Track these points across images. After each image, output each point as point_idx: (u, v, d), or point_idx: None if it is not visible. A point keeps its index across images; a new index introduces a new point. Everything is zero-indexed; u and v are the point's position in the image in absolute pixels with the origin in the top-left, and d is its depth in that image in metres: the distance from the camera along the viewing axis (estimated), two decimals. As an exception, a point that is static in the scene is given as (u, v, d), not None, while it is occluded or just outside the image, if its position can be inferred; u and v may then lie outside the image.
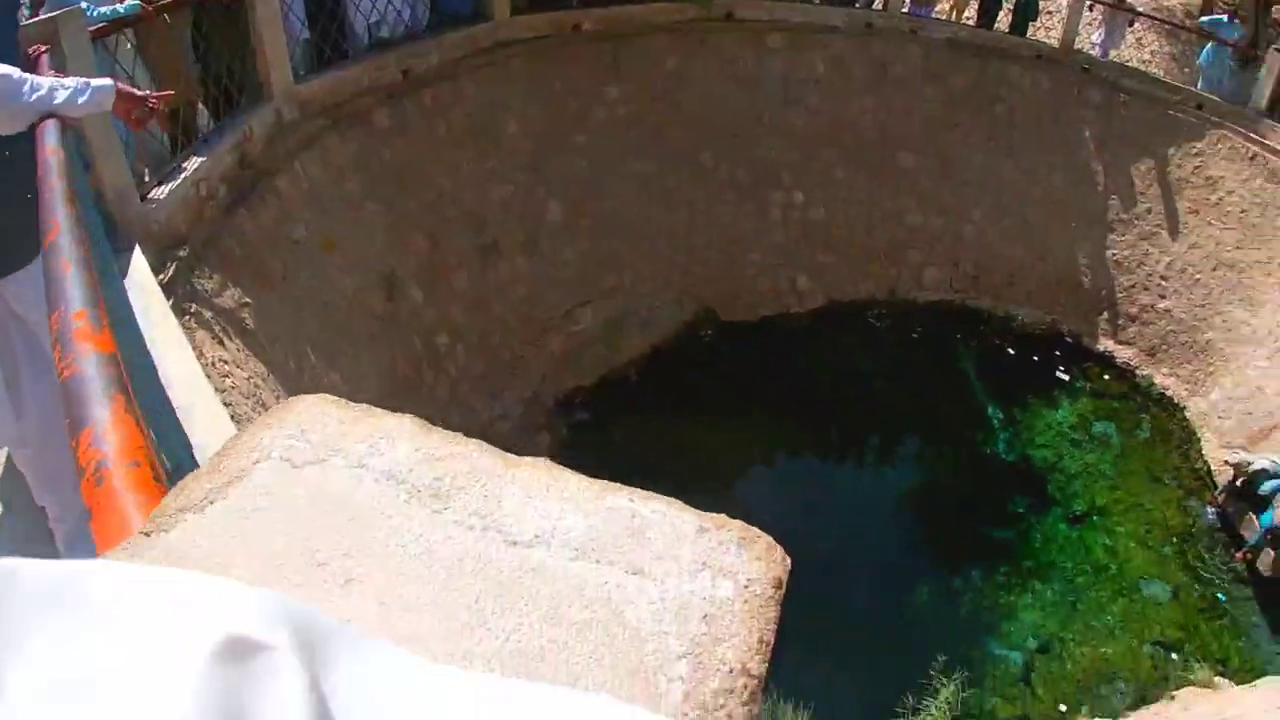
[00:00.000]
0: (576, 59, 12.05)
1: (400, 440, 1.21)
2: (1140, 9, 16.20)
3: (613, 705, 0.81)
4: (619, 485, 1.17)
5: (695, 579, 1.03)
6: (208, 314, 6.62)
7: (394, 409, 1.31)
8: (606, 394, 11.97)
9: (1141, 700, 9.83)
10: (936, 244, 14.97)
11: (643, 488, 1.12)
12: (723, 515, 1.16)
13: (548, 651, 0.94)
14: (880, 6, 15.22)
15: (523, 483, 1.16)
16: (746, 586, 1.04)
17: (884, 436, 13.12)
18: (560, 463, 1.21)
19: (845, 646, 10.17)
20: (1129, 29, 16.35)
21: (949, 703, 9.15)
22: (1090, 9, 15.41)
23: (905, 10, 14.98)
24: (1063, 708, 9.73)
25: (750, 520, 1.11)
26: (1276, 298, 13.71)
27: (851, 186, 14.45)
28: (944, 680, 9.19)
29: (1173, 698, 9.64)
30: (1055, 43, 15.27)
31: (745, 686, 0.92)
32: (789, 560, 1.13)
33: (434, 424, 1.26)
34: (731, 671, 0.93)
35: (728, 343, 13.34)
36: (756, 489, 11.90)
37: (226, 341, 6.59)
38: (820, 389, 13.21)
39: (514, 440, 10.54)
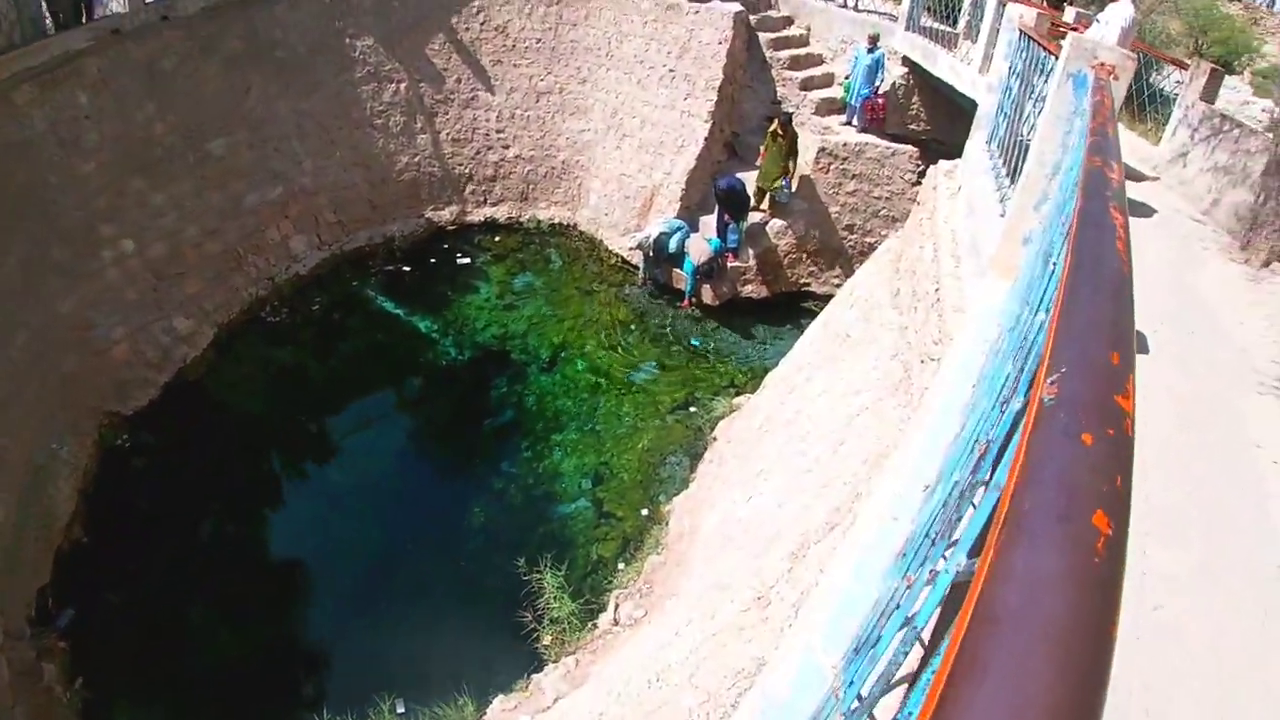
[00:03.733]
0: None
1: None
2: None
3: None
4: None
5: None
6: None
7: None
8: (75, 574, 8.74)
9: (695, 457, 10.09)
10: (286, 211, 13.51)
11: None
12: None
13: None
14: (123, 8, 12.65)
15: None
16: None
17: (358, 410, 11.57)
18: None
19: (455, 598, 9.00)
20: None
21: (559, 586, 8.43)
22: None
23: (148, 1, 12.69)
24: (644, 511, 9.56)
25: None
26: (598, 97, 14.94)
27: (176, 202, 12.17)
28: (539, 571, 8.47)
29: (714, 439, 10.03)
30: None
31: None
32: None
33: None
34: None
35: (156, 432, 10.57)
36: (300, 522, 9.90)
37: None
38: (269, 411, 11.19)
39: (24, 684, 7.48)
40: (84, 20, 12.19)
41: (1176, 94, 9.70)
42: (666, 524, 9.05)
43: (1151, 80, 11.41)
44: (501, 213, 15.11)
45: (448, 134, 14.99)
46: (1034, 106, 5.22)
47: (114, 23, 12.11)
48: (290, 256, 13.43)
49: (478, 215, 15.06)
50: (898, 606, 1.87)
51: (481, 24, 15.05)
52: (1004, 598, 0.86)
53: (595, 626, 8.03)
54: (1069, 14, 12.82)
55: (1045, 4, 15.28)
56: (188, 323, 11.78)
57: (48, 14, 11.95)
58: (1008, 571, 0.88)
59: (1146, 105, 10.65)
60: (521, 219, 15.12)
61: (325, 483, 10.42)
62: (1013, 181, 5.21)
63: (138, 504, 9.73)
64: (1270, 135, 7.55)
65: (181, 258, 12.03)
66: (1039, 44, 5.53)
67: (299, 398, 11.49)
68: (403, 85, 14.70)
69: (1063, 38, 4.97)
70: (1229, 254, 7.26)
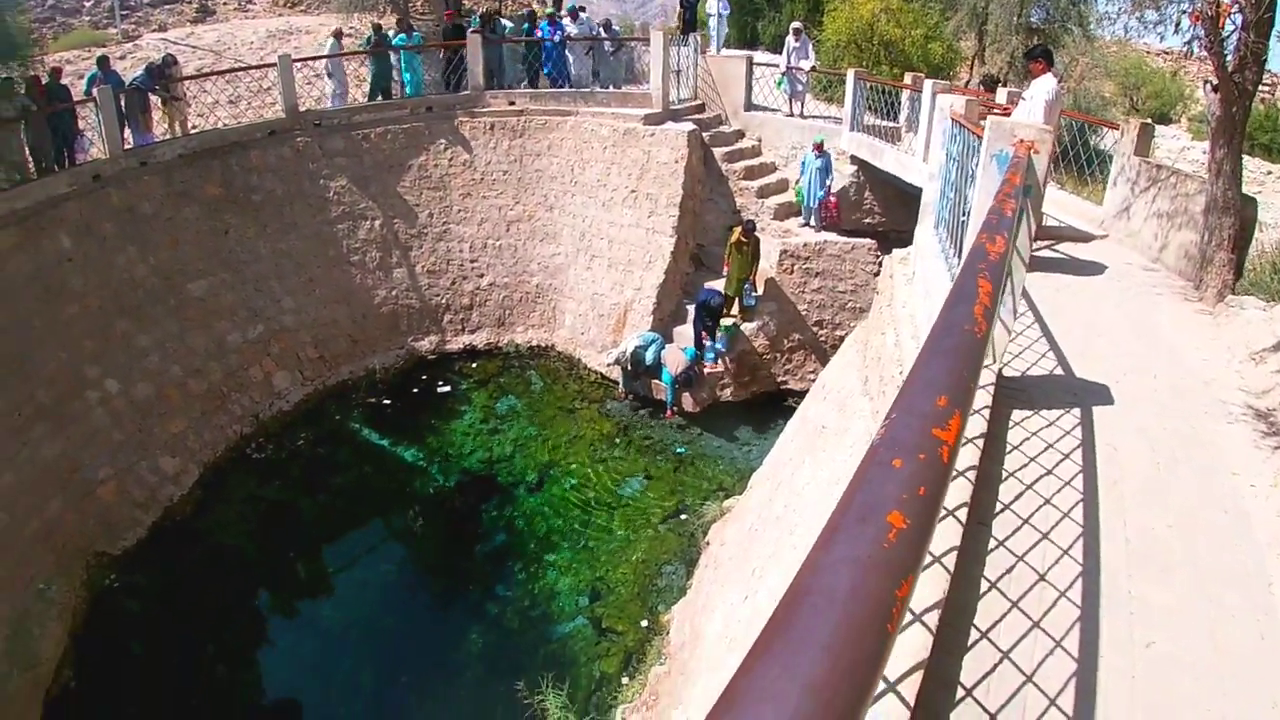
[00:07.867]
0: None
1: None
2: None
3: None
4: None
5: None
6: None
7: None
8: None
9: (691, 564, 10.09)
10: (268, 349, 13.75)
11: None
12: None
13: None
14: (103, 154, 13.08)
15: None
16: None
17: (349, 543, 11.48)
18: None
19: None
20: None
21: (563, 706, 8.33)
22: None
23: (127, 147, 13.15)
24: (644, 623, 9.49)
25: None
26: (566, 222, 15.52)
27: (160, 343, 12.38)
28: (541, 694, 8.37)
29: (708, 544, 10.06)
30: (282, 113, 14.98)
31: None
32: None
33: None
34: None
35: (146, 573, 10.47)
36: (296, 662, 9.63)
37: None
38: (259, 548, 11.11)
39: None
40: (65, 166, 12.62)
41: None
42: (668, 633, 8.99)
43: (1092, 143, 11.82)
44: (480, 339, 15.45)
45: (423, 266, 15.43)
46: (970, 188, 5.47)
47: (94, 169, 12.52)
48: (274, 393, 13.59)
49: (457, 343, 15.38)
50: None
51: (449, 160, 15.72)
52: (813, 579, 1.16)
53: (603, 745, 7.90)
54: (1001, 95, 13.51)
55: (980, 88, 16.13)
56: (174, 461, 11.81)
57: (30, 159, 12.36)
58: (816, 560, 1.19)
59: (1087, 167, 10.94)
60: (500, 344, 15.46)
61: (319, 620, 10.28)
62: (960, 261, 5.42)
63: (129, 647, 9.55)
64: (1205, 176, 7.77)
65: (166, 398, 12.15)
66: (969, 129, 5.83)
67: (289, 534, 11.43)
68: (377, 223, 15.22)
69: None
70: (1183, 295, 7.50)
